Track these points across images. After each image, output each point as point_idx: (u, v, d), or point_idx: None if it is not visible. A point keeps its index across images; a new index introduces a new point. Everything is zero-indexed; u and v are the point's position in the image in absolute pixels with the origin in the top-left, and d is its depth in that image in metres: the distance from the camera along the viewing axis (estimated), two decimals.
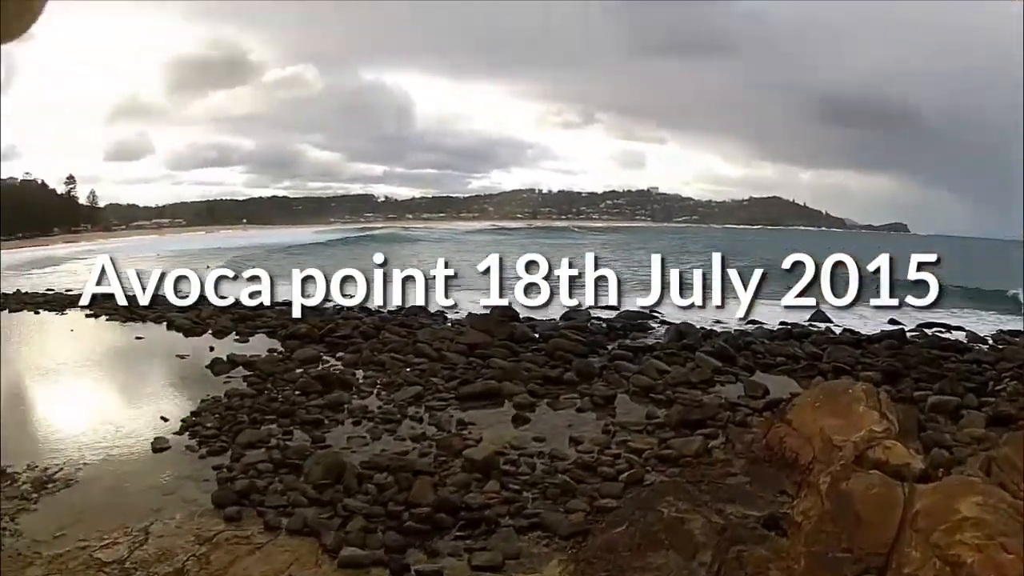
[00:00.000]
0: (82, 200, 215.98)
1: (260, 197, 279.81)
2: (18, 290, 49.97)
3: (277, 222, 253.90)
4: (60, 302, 44.83)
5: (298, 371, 25.77)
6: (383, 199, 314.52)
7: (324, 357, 29.19)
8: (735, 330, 34.68)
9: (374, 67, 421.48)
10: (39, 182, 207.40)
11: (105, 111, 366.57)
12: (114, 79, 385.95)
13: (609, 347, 31.16)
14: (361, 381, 25.11)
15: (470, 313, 35.02)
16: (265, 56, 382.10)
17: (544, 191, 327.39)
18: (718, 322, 36.69)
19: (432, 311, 36.34)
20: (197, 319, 35.83)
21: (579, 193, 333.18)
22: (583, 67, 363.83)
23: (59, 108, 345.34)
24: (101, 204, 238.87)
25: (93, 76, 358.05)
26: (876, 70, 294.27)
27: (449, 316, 36.18)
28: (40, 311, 43.18)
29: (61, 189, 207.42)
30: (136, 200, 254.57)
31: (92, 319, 39.42)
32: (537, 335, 31.13)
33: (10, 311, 41.38)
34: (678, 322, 35.25)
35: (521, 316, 33.26)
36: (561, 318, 35.23)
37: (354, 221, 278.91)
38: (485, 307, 32.71)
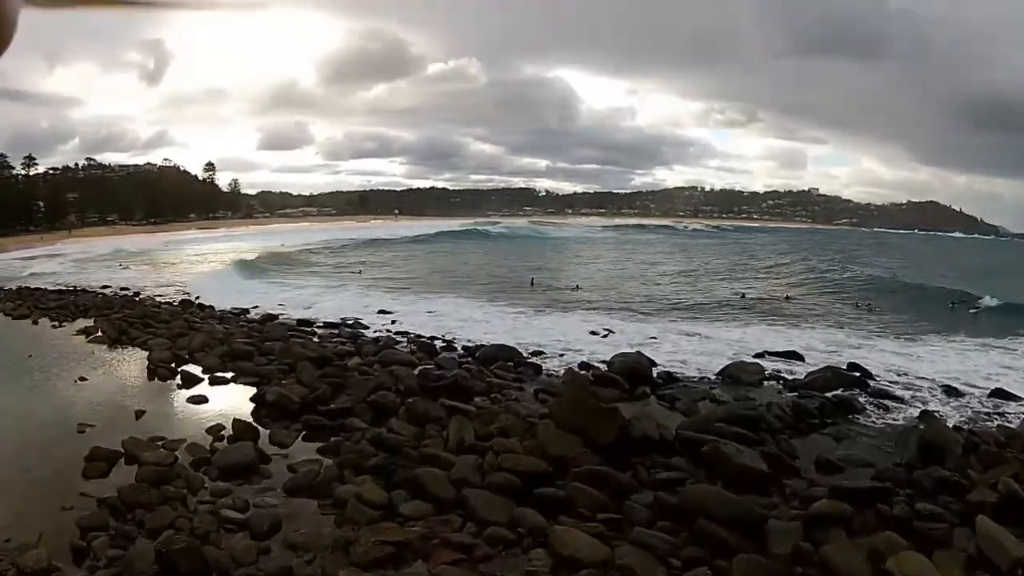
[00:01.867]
0: (224, 188, 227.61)
1: (418, 188, 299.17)
2: None
3: (431, 213, 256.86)
4: None
5: None
6: (544, 193, 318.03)
7: None
8: None
9: (537, 61, 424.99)
10: (180, 169, 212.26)
11: (261, 101, 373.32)
12: (272, 70, 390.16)
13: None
14: None
15: (569, 370, 29.89)
16: (427, 50, 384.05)
17: (706, 189, 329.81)
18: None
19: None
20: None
21: (741, 192, 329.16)
22: (746, 65, 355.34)
23: (214, 97, 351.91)
24: (252, 192, 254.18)
25: (250, 67, 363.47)
26: None
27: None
28: None
29: (203, 177, 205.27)
30: (290, 188, 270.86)
31: None
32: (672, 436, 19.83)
33: None
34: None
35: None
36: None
37: (512, 215, 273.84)
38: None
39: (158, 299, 53.07)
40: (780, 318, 46.21)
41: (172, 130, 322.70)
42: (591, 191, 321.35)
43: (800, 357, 33.09)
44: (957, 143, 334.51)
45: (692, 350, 35.55)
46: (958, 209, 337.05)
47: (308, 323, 41.83)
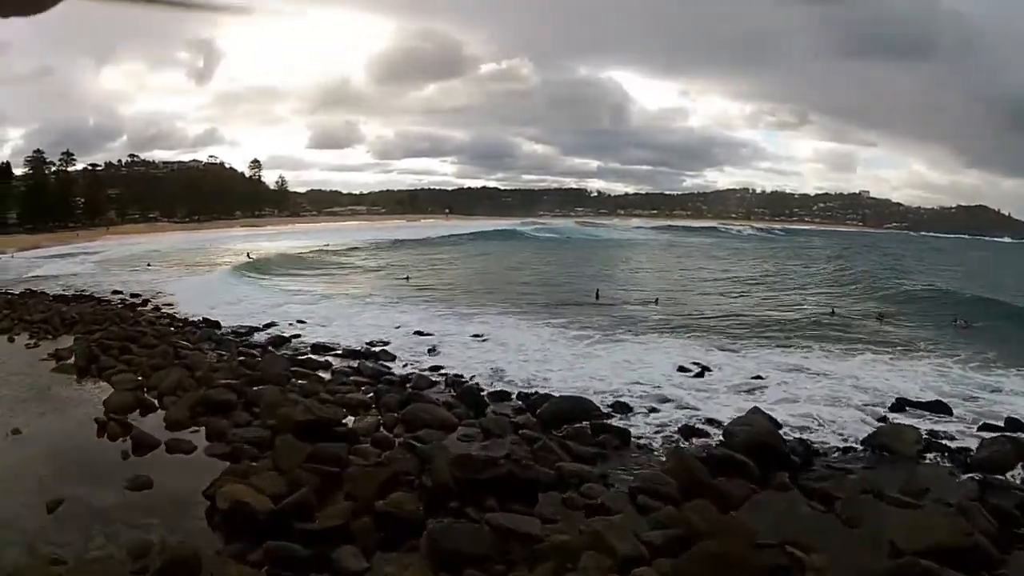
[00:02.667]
0: (272, 185, 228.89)
1: (469, 188, 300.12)
2: None
3: (482, 213, 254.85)
4: None
5: None
6: (595, 194, 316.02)
7: None
8: None
9: (589, 62, 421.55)
10: (225, 166, 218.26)
11: (312, 100, 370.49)
12: (323, 69, 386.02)
13: None
14: None
15: (674, 452, 19.91)
16: (480, 50, 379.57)
17: (757, 191, 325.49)
18: None
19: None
20: None
21: (792, 194, 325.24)
22: (797, 67, 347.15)
23: (265, 96, 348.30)
24: (302, 190, 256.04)
25: (301, 66, 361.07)
26: None
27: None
28: None
29: (249, 174, 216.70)
30: (341, 187, 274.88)
31: None
32: None
33: None
34: None
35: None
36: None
37: (564, 215, 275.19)
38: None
39: (164, 310, 46.85)
40: (883, 345, 37.71)
41: (222, 128, 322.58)
42: (642, 192, 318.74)
43: (947, 409, 25.82)
44: (1005, 146, 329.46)
45: (811, 396, 27.44)
46: (1007, 214, 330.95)
47: (325, 349, 34.18)
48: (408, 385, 27.39)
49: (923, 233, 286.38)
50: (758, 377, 29.82)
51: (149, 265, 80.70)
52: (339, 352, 33.58)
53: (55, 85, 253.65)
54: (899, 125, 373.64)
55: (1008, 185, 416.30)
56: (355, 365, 30.59)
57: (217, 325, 40.32)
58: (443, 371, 30.32)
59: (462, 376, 29.36)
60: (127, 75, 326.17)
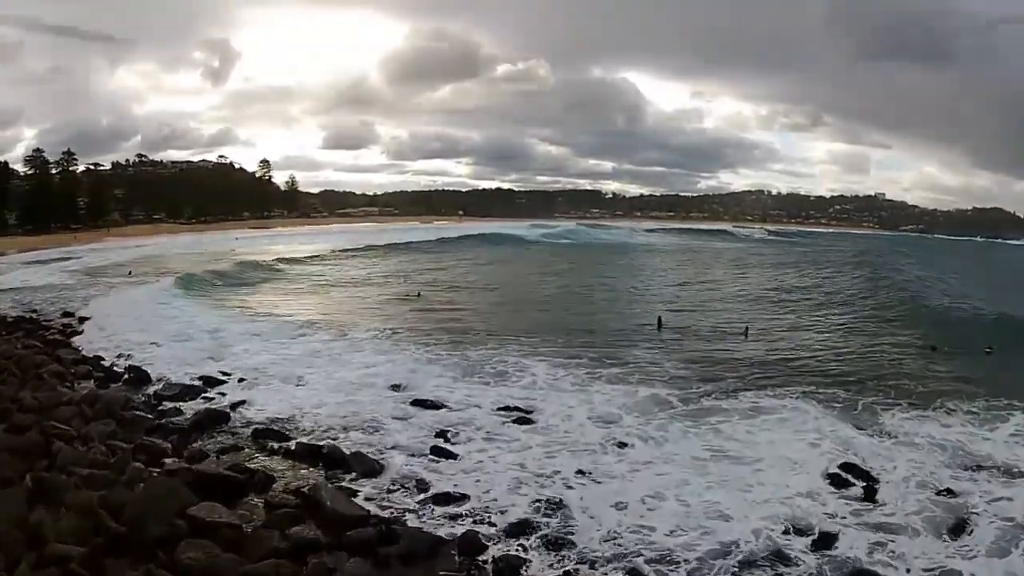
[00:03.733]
0: (282, 186, 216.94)
1: (483, 189, 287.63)
2: None
3: (497, 214, 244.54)
4: None
5: None
6: (611, 195, 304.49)
7: None
8: None
9: (605, 64, 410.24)
10: (235, 166, 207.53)
11: (327, 100, 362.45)
12: (338, 70, 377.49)
13: None
14: None
15: None
16: (496, 51, 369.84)
17: (772, 193, 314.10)
18: None
19: None
20: None
21: (807, 196, 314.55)
22: (812, 70, 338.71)
23: (280, 96, 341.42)
24: (315, 190, 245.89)
25: (316, 66, 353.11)
26: None
27: None
28: None
29: (259, 174, 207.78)
30: (356, 188, 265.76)
31: None
32: None
33: None
34: None
35: None
36: None
37: (579, 216, 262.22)
38: None
39: (87, 347, 34.89)
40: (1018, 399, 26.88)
41: (236, 128, 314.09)
42: (657, 194, 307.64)
43: None
44: (1018, 148, 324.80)
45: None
46: (1022, 216, 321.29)
47: (275, 437, 22.02)
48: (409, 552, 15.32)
49: (938, 236, 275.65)
50: (948, 492, 19.09)
51: (131, 274, 69.22)
52: (293, 447, 21.12)
53: (69, 85, 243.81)
54: (913, 127, 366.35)
55: (1021, 187, 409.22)
56: (307, 488, 17.67)
57: (143, 380, 28.56)
58: (463, 507, 17.66)
59: (509, 529, 16.74)
60: (142, 75, 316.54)
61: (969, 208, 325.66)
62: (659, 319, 43.22)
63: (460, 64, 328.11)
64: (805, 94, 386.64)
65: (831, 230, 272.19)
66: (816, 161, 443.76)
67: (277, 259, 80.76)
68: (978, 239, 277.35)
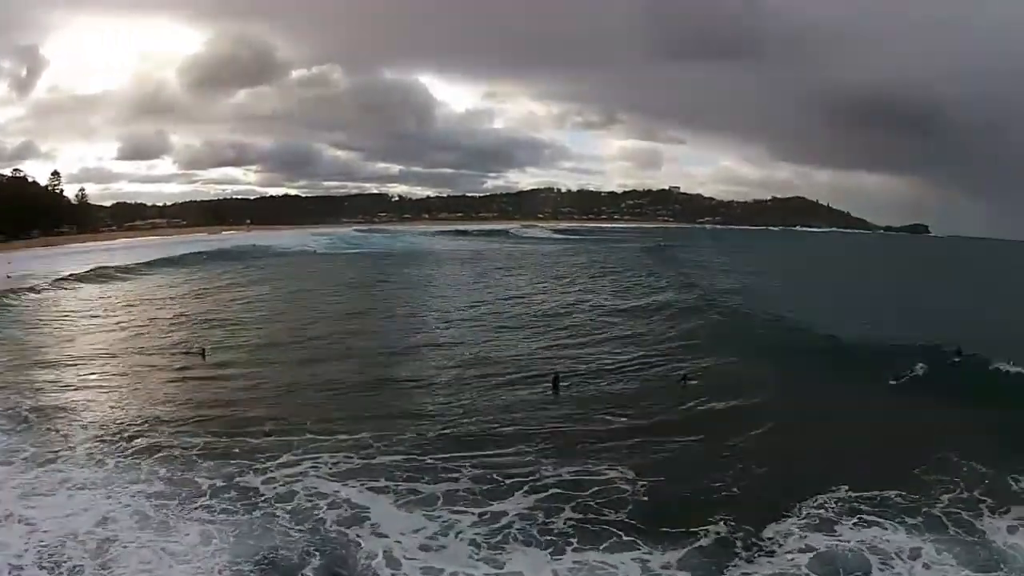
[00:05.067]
0: (73, 199, 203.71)
1: (272, 196, 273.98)
2: None
3: (285, 221, 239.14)
4: None
5: None
6: (397, 198, 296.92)
7: None
8: None
9: (399, 67, 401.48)
10: (28, 180, 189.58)
11: (126, 109, 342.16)
12: (140, 77, 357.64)
13: None
14: None
15: None
16: (292, 55, 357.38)
17: (563, 190, 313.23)
18: None
19: None
20: None
21: (598, 193, 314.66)
22: (607, 68, 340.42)
23: (84, 106, 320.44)
24: (109, 203, 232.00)
25: (120, 74, 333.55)
26: (899, 72, 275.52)
27: None
28: None
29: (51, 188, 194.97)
30: (148, 199, 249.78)
31: None
32: None
33: None
34: None
35: None
36: None
37: (368, 220, 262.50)
38: None
39: None
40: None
41: (38, 141, 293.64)
42: (444, 195, 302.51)
43: None
44: (820, 140, 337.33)
45: None
46: (826, 204, 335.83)
47: None
48: None
49: (732, 227, 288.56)
50: None
51: None
52: None
53: None
54: (711, 123, 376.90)
55: (822, 176, 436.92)
56: None
57: None
58: None
59: None
60: None
61: (769, 198, 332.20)
62: (555, 378, 34.13)
63: (256, 69, 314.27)
64: (601, 93, 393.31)
65: (623, 225, 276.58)
66: (608, 158, 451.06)
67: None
68: (773, 228, 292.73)
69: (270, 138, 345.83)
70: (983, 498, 20.72)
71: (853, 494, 20.52)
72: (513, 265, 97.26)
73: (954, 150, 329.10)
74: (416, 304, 60.33)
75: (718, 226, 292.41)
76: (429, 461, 23.64)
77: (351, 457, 24.10)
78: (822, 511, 19.61)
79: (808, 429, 27.47)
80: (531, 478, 22.23)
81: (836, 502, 20.14)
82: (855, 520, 19.04)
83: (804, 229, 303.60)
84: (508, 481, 22.11)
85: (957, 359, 35.14)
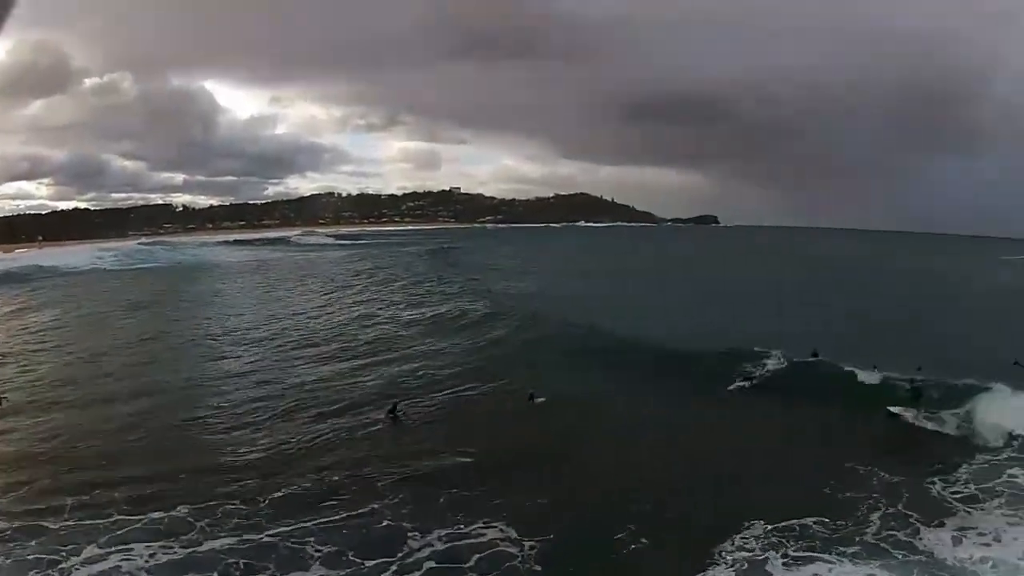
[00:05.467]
0: None
1: (64, 210, 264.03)
2: None
3: (75, 236, 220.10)
4: None
5: None
6: (181, 208, 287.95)
7: None
8: None
9: (187, 74, 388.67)
10: None
11: None
12: None
13: None
14: None
15: None
16: (86, 62, 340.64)
17: (343, 195, 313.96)
18: None
19: None
20: None
21: (378, 195, 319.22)
22: (390, 69, 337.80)
23: None
24: None
25: None
26: (686, 70, 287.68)
27: None
28: None
29: None
30: None
31: None
32: None
33: None
34: None
35: None
36: None
37: (153, 233, 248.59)
38: None
39: None
40: None
41: None
42: (227, 203, 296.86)
43: None
44: (605, 137, 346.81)
45: None
46: (610, 199, 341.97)
47: None
48: None
49: (513, 225, 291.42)
50: None
51: None
52: None
53: None
54: (494, 122, 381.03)
55: (606, 172, 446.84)
56: None
57: None
58: None
59: None
60: None
61: (551, 195, 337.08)
62: (393, 405, 31.57)
63: (51, 78, 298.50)
64: (384, 95, 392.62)
65: (405, 228, 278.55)
66: (388, 160, 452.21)
67: None
68: (555, 225, 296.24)
69: (64, 150, 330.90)
70: (909, 512, 21.10)
71: (770, 527, 19.86)
72: (300, 275, 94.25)
73: (741, 144, 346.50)
74: (211, 325, 56.21)
75: (500, 225, 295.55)
76: (267, 539, 19.72)
77: (170, 546, 19.37)
78: (747, 553, 18.65)
79: (686, 450, 26.88)
80: (399, 555, 18.93)
81: (757, 540, 19.27)
82: (787, 559, 18.44)
83: (588, 224, 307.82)
84: (370, 561, 18.66)
85: (813, 358, 36.01)
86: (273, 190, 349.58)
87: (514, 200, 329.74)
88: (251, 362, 42.13)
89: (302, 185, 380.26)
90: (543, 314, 51.92)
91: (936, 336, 44.98)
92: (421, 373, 38.55)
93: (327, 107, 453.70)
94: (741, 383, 34.74)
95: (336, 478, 24.08)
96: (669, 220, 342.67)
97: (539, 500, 22.17)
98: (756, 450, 27.00)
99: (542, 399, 32.61)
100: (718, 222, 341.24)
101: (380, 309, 59.92)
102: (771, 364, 36.16)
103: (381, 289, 73.11)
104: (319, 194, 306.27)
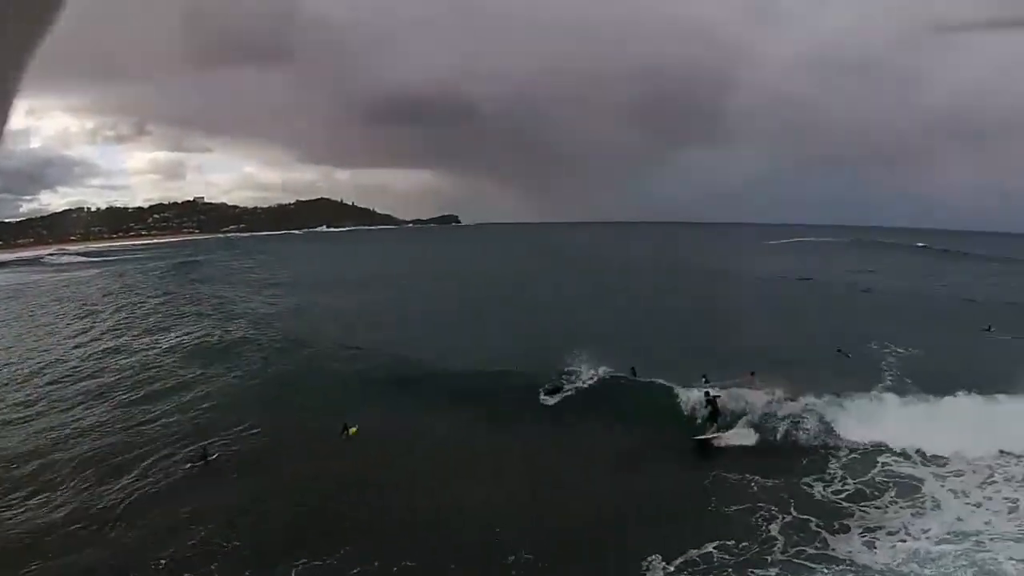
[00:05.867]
0: None
1: None
2: None
3: None
4: None
5: None
6: None
7: None
8: None
9: None
10: None
11: None
12: None
13: None
14: None
15: None
16: None
17: (93, 209, 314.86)
18: None
19: None
20: None
21: (126, 209, 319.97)
22: (140, 78, 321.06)
23: None
24: None
25: None
26: (429, 72, 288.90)
27: None
28: None
29: None
30: None
31: None
32: None
33: None
34: None
35: None
36: None
37: None
38: None
39: None
40: None
41: None
42: None
43: None
44: (346, 141, 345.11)
45: None
46: (351, 203, 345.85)
47: None
48: None
49: (256, 233, 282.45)
50: None
51: None
52: None
53: None
54: (238, 130, 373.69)
55: (346, 176, 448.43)
56: None
57: None
58: None
59: None
60: None
61: (292, 202, 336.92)
62: (203, 450, 26.99)
63: None
64: (133, 104, 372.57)
65: (153, 241, 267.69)
66: (135, 172, 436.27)
67: None
68: (296, 232, 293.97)
69: None
70: (805, 518, 20.00)
71: (667, 562, 17.72)
72: (56, 299, 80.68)
73: (482, 144, 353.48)
74: None
75: (242, 234, 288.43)
76: None
77: None
78: None
79: (527, 484, 23.52)
80: None
81: None
82: None
83: (330, 230, 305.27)
84: None
85: (633, 376, 33.06)
86: (27, 207, 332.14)
87: (256, 208, 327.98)
88: (23, 404, 35.48)
89: (54, 201, 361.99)
90: (311, 335, 47.30)
91: (736, 335, 44.65)
92: (207, 407, 33.47)
93: (78, 117, 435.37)
94: (547, 399, 31.86)
95: (159, 555, 19.27)
96: (411, 221, 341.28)
97: (383, 561, 18.98)
98: (599, 476, 24.39)
99: (355, 428, 28.77)
100: (460, 221, 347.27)
101: (138, 336, 51.45)
102: (580, 377, 33.10)
103: (135, 311, 62.67)
104: (70, 210, 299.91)
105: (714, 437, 27.46)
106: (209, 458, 26.79)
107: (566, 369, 33.40)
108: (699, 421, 28.40)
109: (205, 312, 58.60)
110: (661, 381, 31.15)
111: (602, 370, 32.94)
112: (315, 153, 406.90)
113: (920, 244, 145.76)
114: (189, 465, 26.01)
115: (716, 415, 28.42)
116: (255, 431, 29.53)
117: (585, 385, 32.20)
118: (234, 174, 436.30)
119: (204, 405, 34.04)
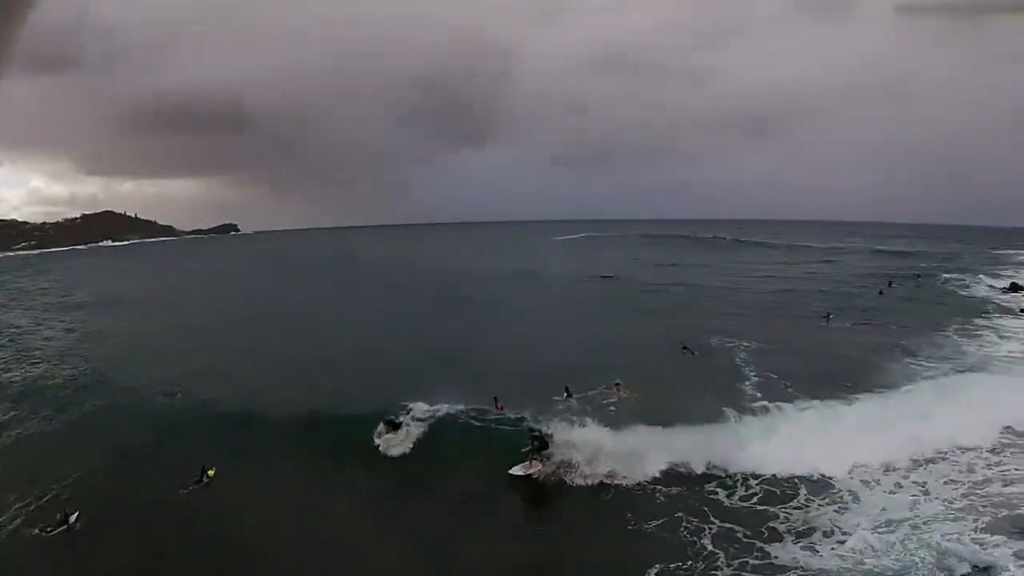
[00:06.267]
0: None
1: None
2: None
3: None
4: None
5: None
6: None
7: None
8: None
9: None
10: None
11: None
12: None
13: None
14: None
15: None
16: None
17: None
18: None
19: None
20: None
21: None
22: None
23: None
24: None
25: None
26: (207, 78, 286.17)
27: None
28: None
29: None
30: None
31: None
32: None
33: None
34: None
35: None
36: None
37: None
38: None
39: None
40: None
41: None
42: None
43: None
44: (126, 151, 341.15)
45: None
46: (133, 215, 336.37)
47: None
48: None
49: (48, 250, 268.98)
50: None
51: None
52: None
53: None
54: (25, 141, 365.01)
55: (127, 188, 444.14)
56: None
57: None
58: None
59: None
60: None
61: (78, 216, 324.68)
62: (64, 515, 25.60)
63: None
64: None
65: None
66: None
67: None
68: (80, 247, 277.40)
69: None
70: (731, 527, 19.82)
71: None
72: None
73: (261, 151, 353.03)
74: None
75: (33, 252, 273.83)
76: None
77: None
78: None
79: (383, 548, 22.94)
80: None
81: None
82: None
83: (114, 244, 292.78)
84: None
85: (499, 410, 32.60)
86: None
87: (44, 224, 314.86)
88: None
89: None
90: (123, 367, 45.17)
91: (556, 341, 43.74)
92: (48, 461, 30.68)
93: None
94: (386, 437, 30.91)
95: None
96: (189, 232, 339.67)
97: None
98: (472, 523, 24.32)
99: (212, 470, 28.20)
100: (238, 230, 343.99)
101: None
102: (415, 412, 32.23)
103: None
104: None
105: (534, 471, 27.09)
106: (72, 524, 24.24)
107: (400, 402, 32.28)
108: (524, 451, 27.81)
109: (18, 348, 55.45)
110: (512, 415, 31.35)
111: (440, 405, 32.07)
112: (100, 165, 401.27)
113: (711, 236, 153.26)
114: (52, 533, 23.83)
115: (544, 447, 27.87)
116: (111, 485, 27.56)
117: (423, 419, 31.37)
118: (22, 189, 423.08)
119: (37, 455, 31.44)
